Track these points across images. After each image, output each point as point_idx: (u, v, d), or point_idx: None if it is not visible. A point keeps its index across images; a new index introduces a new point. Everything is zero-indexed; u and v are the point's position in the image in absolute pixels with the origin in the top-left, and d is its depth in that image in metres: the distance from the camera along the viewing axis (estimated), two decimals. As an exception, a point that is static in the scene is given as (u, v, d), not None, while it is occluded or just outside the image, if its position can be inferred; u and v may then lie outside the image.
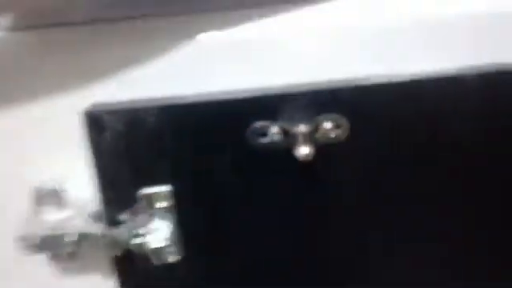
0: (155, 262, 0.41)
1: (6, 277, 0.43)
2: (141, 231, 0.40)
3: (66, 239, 0.39)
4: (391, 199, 0.41)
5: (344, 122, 0.39)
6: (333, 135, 0.39)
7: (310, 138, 0.36)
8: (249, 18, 0.39)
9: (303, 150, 0.36)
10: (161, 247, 0.40)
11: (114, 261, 0.41)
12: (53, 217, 0.41)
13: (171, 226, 0.40)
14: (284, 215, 0.41)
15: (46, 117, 0.39)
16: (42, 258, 0.42)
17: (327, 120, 0.38)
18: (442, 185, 0.41)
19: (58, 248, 0.39)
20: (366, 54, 0.40)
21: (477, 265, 0.43)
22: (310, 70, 0.40)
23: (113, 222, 0.39)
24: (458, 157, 0.40)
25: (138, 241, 0.40)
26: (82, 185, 0.41)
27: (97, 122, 0.36)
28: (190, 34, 0.39)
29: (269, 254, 0.41)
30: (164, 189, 0.39)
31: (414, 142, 0.40)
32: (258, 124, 0.38)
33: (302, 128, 0.36)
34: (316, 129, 0.38)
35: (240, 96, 0.38)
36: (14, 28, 0.39)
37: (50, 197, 0.41)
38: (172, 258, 0.41)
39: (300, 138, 0.36)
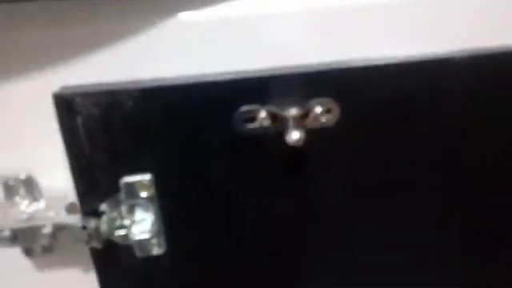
0: (139, 254, 0.39)
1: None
2: (125, 222, 0.38)
3: (41, 231, 0.36)
4: (382, 184, 0.40)
5: (335, 106, 0.37)
6: (323, 120, 0.37)
7: (300, 123, 0.34)
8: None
9: (295, 135, 0.34)
10: (146, 239, 0.38)
11: (92, 254, 0.39)
12: (26, 208, 0.38)
13: (154, 217, 0.38)
14: (273, 204, 0.39)
15: (14, 100, 0.36)
16: (15, 253, 0.39)
17: (318, 104, 0.37)
18: (435, 168, 0.40)
19: (32, 241, 0.37)
20: (356, 36, 0.38)
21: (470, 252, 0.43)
22: (299, 53, 0.37)
23: (90, 213, 0.37)
24: (449, 139, 0.40)
25: (121, 232, 0.38)
26: (56, 174, 0.38)
27: (69, 106, 0.34)
28: (170, 11, 0.36)
29: (257, 244, 0.40)
30: (146, 177, 0.37)
31: (406, 125, 0.39)
32: (246, 108, 0.36)
33: (294, 111, 0.34)
34: (306, 113, 0.37)
35: (226, 78, 0.35)
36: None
37: (21, 187, 0.38)
38: (157, 250, 0.39)
39: (291, 123, 0.34)
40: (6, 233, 0.36)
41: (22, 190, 0.38)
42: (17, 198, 0.38)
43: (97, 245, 0.37)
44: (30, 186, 0.38)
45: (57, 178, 0.38)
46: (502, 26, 0.39)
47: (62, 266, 0.42)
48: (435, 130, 0.39)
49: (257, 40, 0.37)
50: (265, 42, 0.37)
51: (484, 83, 0.38)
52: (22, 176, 0.38)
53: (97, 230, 0.37)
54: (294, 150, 0.37)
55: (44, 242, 0.37)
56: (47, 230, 0.36)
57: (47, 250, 0.39)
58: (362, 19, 0.37)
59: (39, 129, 0.37)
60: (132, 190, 0.37)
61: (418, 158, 0.40)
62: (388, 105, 0.38)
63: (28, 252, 0.39)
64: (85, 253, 0.40)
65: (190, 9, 0.36)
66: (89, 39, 0.36)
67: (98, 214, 0.37)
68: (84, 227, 0.36)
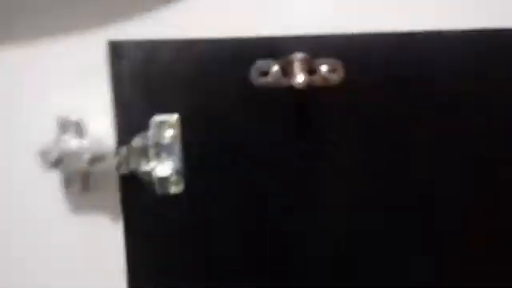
0: (159, 191, 0.44)
1: (24, 192, 0.46)
2: (149, 159, 0.43)
3: (82, 157, 0.43)
4: (380, 143, 0.44)
5: (339, 66, 0.43)
6: (329, 78, 0.43)
7: (306, 68, 0.40)
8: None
9: (299, 78, 0.39)
10: (166, 177, 0.44)
11: (120, 185, 0.44)
12: (71, 143, 0.45)
13: (176, 157, 0.44)
14: (280, 150, 0.43)
15: (71, 50, 0.44)
16: (56, 181, 0.46)
17: (324, 63, 0.42)
18: (431, 135, 0.43)
19: (73, 165, 0.43)
20: (366, 11, 0.44)
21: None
22: (313, 24, 0.44)
23: (124, 145, 0.43)
24: (444, 108, 0.43)
25: (146, 168, 0.43)
26: (100, 120, 0.46)
27: (118, 50, 0.42)
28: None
29: (266, 189, 0.44)
30: (174, 117, 0.43)
31: (404, 91, 0.43)
32: (261, 62, 0.42)
33: (299, 55, 0.40)
34: (314, 71, 0.42)
35: (246, 36, 0.42)
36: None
37: (70, 126, 0.45)
38: (175, 189, 0.44)
39: (296, 65, 0.40)
40: (54, 155, 0.43)
41: (71, 129, 0.45)
42: (66, 135, 0.45)
43: (124, 171, 0.43)
44: (78, 126, 0.45)
45: (99, 121, 0.45)
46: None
47: (94, 208, 0.47)
48: (435, 97, 0.43)
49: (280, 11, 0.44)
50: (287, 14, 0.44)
51: (477, 60, 0.43)
52: (74, 118, 0.45)
53: (126, 158, 0.43)
54: (303, 103, 0.42)
55: (83, 167, 0.43)
56: (87, 156, 0.43)
57: (85, 179, 0.45)
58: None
59: (91, 76, 0.45)
60: (160, 127, 0.43)
61: (414, 123, 0.43)
62: (389, 70, 0.43)
63: (67, 184, 0.45)
64: (116, 197, 0.45)
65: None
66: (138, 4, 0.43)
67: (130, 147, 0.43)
68: (117, 154, 0.42)
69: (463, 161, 0.44)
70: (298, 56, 0.40)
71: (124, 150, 0.43)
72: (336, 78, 0.43)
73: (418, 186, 0.44)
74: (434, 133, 0.43)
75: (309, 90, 0.42)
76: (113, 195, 0.45)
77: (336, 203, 0.44)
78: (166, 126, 0.43)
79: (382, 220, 0.45)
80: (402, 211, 0.45)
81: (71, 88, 0.45)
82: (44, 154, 0.43)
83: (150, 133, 0.43)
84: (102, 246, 0.46)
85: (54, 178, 0.45)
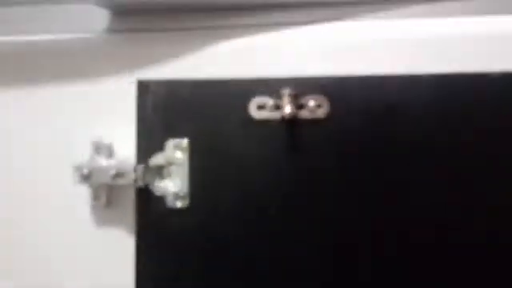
0: (168, 204, 0.51)
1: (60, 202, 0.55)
2: (162, 176, 0.52)
3: (108, 173, 0.52)
4: (363, 171, 0.50)
5: (325, 102, 0.50)
6: (315, 112, 0.50)
7: (295, 103, 0.48)
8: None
9: (287, 109, 0.47)
10: (174, 192, 0.51)
11: (136, 197, 0.52)
12: (102, 162, 0.54)
13: (184, 176, 0.52)
14: (274, 174, 0.51)
15: (108, 88, 0.55)
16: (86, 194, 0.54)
17: (311, 99, 0.50)
18: (408, 167, 0.49)
19: (101, 179, 0.52)
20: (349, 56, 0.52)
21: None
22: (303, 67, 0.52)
23: (142, 163, 0.52)
24: (418, 143, 0.49)
25: (157, 184, 0.52)
26: (126, 145, 0.55)
27: (145, 87, 0.52)
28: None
29: (261, 202, 0.50)
30: (185, 141, 0.52)
31: (381, 126, 0.50)
32: (258, 98, 0.51)
33: (287, 91, 0.48)
34: (303, 106, 0.50)
35: (247, 77, 0.52)
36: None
37: (102, 149, 0.55)
38: (182, 204, 0.52)
39: (285, 99, 0.48)
40: (85, 171, 0.52)
41: (103, 150, 0.55)
42: (98, 156, 0.55)
43: (141, 185, 0.51)
44: (108, 148, 0.55)
45: (125, 144, 0.55)
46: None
47: (113, 221, 0.55)
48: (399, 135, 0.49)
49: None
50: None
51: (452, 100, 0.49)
52: (106, 141, 0.55)
53: (143, 175, 0.51)
54: (293, 133, 0.50)
55: (109, 181, 0.52)
56: (112, 171, 0.52)
57: (108, 192, 0.53)
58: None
59: (118, 110, 0.55)
60: (173, 149, 0.52)
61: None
62: (366, 109, 0.50)
63: (96, 197, 0.54)
64: (132, 214, 0.53)
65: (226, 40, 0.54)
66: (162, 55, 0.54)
67: (147, 166, 0.52)
68: (135, 170, 0.51)
69: (442, 193, 0.48)
70: (287, 91, 0.49)
71: (141, 167, 0.51)
72: (322, 112, 0.50)
73: (400, 214, 0.49)
74: (411, 165, 0.49)
75: (298, 122, 0.50)
76: (130, 207, 0.53)
77: (321, 224, 0.50)
78: (178, 149, 0.52)
79: (368, 247, 0.49)
80: (386, 236, 0.49)
81: (106, 117, 0.56)
82: (77, 170, 0.52)
83: (165, 154, 0.52)
84: (116, 250, 0.53)
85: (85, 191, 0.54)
